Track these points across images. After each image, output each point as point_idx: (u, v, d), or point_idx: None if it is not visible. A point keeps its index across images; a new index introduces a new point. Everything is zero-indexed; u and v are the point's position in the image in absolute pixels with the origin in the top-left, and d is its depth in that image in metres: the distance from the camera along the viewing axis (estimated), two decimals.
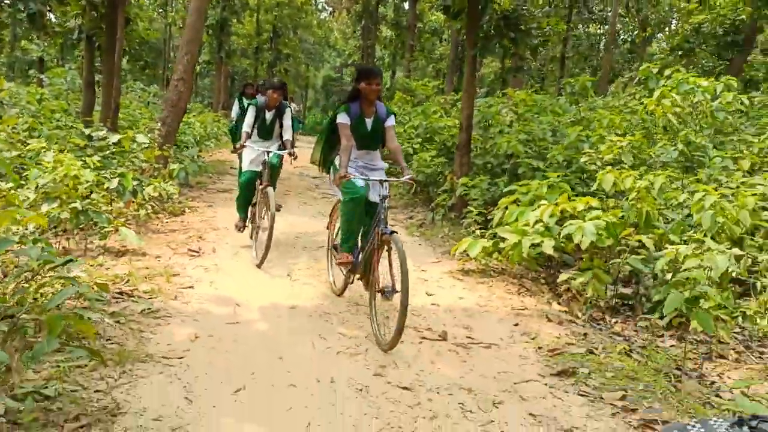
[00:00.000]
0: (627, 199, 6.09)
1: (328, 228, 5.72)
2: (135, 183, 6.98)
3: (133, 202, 7.26)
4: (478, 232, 6.92)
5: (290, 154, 6.57)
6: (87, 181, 6.26)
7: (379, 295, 4.46)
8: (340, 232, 5.09)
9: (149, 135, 8.99)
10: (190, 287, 5.26)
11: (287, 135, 6.88)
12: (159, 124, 10.21)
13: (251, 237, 6.73)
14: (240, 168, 6.53)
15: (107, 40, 11.36)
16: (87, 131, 8.44)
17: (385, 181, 4.76)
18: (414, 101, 19.35)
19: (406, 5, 27.09)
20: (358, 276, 5.05)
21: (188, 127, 15.22)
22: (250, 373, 3.70)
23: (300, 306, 5.09)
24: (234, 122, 11.64)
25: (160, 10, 32.61)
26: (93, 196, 6.39)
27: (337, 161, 4.98)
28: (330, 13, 41.90)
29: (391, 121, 4.94)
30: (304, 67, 40.53)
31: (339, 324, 4.76)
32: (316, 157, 5.27)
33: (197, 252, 6.43)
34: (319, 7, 40.31)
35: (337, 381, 3.71)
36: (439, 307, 5.34)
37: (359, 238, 4.97)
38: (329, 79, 55.73)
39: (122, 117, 13.51)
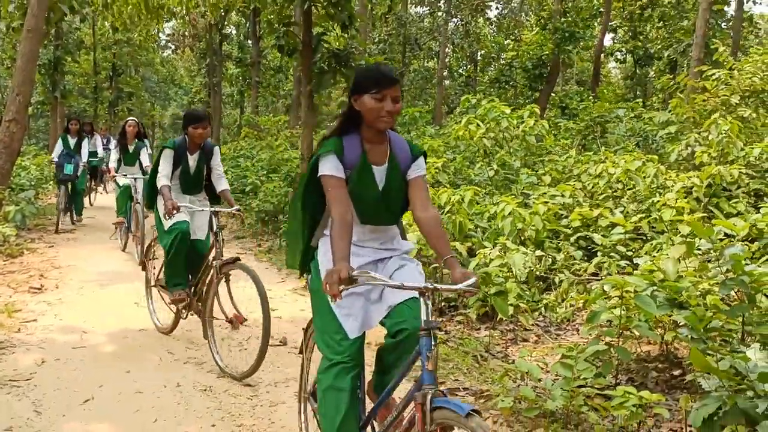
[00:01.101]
0: (444, 212, 6.97)
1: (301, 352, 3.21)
2: None
3: None
4: None
5: (238, 212, 4.79)
6: None
7: None
8: None
9: None
10: (33, 320, 5.35)
11: (222, 184, 5.01)
12: None
13: (204, 336, 4.65)
14: (159, 225, 4.96)
15: None
16: None
17: (431, 290, 2.23)
18: (262, 136, 19.81)
19: (250, 43, 27.58)
20: None
21: (23, 170, 14.61)
22: (98, 386, 3.98)
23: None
24: (114, 170, 8.85)
25: None
26: None
27: (321, 251, 2.71)
28: (173, 50, 41.41)
29: (419, 170, 2.68)
30: (149, 105, 39.63)
31: (186, 341, 5.09)
32: (294, 258, 2.87)
33: (39, 289, 6.45)
34: (162, 44, 39.74)
35: (183, 385, 4.08)
36: (282, 319, 5.82)
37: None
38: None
39: None
